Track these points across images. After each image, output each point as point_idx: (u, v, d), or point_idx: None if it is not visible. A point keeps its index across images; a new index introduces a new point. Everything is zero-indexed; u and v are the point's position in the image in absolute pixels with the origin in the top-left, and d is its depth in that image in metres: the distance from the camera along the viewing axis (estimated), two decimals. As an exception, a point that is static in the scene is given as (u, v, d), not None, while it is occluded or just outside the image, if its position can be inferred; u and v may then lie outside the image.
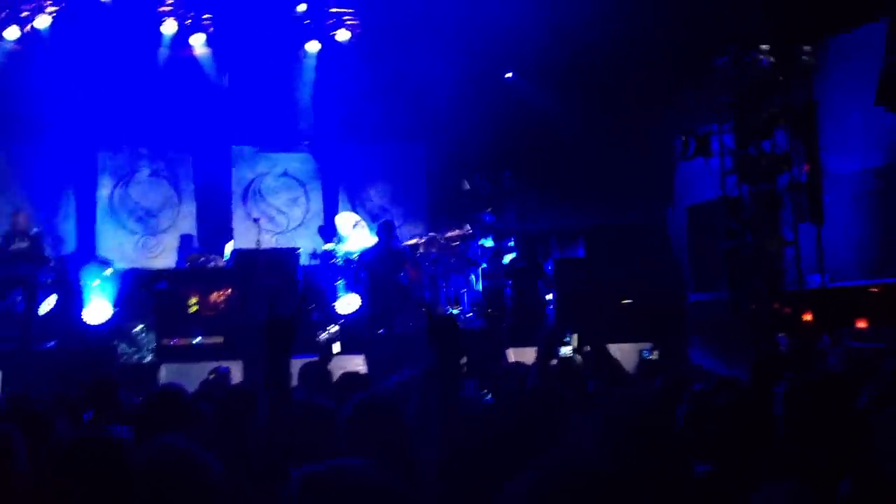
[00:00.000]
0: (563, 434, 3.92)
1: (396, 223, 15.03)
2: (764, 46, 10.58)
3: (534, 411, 4.07)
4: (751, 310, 10.28)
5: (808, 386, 3.72)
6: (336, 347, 10.68)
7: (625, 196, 13.03)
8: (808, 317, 10.06)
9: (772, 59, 10.47)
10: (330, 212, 16.67)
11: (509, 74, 16.64)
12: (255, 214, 16.10)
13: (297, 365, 8.58)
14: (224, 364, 9.88)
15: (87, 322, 12.27)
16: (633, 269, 11.71)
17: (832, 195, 10.74)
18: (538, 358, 5.40)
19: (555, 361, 6.50)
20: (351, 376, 6.86)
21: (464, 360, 5.20)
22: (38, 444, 3.68)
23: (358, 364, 9.98)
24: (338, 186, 17.08)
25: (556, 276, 11.95)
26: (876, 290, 10.09)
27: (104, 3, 14.51)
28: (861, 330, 9.48)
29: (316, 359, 8.45)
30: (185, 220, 16.24)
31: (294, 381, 7.48)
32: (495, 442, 3.07)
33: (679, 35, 12.07)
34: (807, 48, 10.48)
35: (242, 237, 15.80)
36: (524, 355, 9.91)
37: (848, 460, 3.36)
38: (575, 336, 9.22)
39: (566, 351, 8.85)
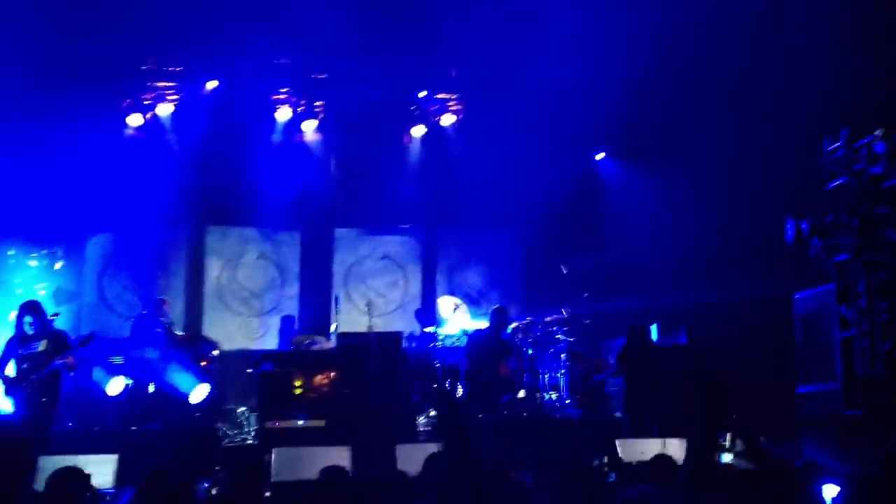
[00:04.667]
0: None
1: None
2: (878, 132, 10.34)
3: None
4: (867, 403, 9.87)
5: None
6: None
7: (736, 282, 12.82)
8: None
9: (887, 143, 10.19)
10: (428, 295, 16.76)
11: (601, 155, 16.77)
12: (358, 298, 16.31)
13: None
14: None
15: (190, 402, 12.49)
16: (740, 358, 11.41)
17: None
18: (690, 460, 5.13)
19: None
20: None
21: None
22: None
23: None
24: (436, 270, 17.17)
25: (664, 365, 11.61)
26: None
27: (221, 91, 15.17)
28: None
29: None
30: (289, 302, 16.47)
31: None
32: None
33: (787, 115, 11.98)
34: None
35: (344, 320, 15.99)
36: (634, 449, 9.68)
37: None
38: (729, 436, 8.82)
39: (727, 457, 8.49)
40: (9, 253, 13.51)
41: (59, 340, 10.52)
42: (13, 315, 10.84)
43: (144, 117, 15.39)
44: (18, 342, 10.46)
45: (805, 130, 11.85)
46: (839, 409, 10.20)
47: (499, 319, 12.70)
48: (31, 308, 10.58)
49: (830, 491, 6.18)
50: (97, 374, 12.18)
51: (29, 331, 10.40)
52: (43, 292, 13.43)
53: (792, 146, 12.31)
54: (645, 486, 6.22)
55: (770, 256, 11.96)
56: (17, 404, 10.39)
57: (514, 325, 14.23)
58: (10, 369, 10.43)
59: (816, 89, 12.29)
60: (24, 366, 10.36)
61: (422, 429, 12.60)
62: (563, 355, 13.64)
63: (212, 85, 15.24)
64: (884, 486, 5.62)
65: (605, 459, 9.69)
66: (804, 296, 11.27)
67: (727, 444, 9.29)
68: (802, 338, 11.18)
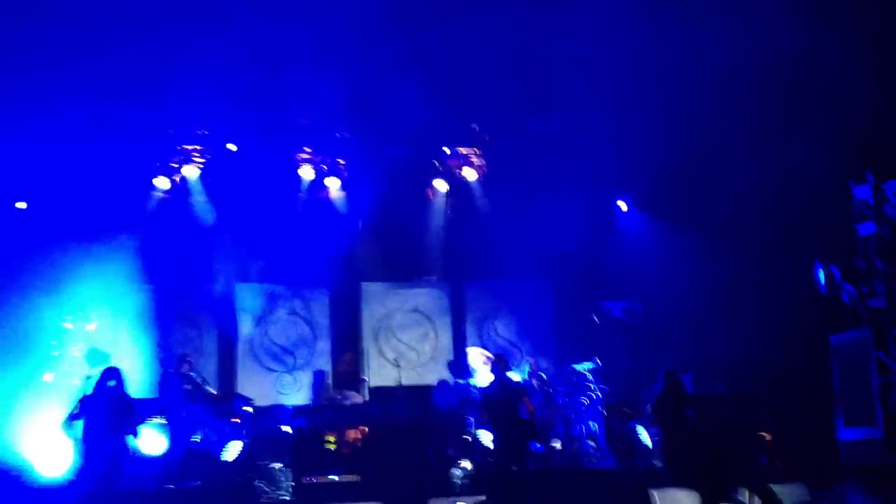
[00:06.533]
0: None
1: (526, 358, 15.08)
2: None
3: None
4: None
5: None
6: None
7: (769, 329, 12.78)
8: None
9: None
10: (458, 347, 16.80)
11: (622, 204, 16.83)
12: (388, 352, 16.37)
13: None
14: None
15: (224, 459, 12.53)
16: (778, 405, 11.32)
17: None
18: None
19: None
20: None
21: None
22: None
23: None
24: (465, 321, 17.23)
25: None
26: None
27: (246, 152, 15.43)
28: None
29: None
30: (320, 358, 16.55)
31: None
32: None
33: (818, 162, 12.04)
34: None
35: (375, 374, 16.04)
36: (672, 499, 9.60)
37: None
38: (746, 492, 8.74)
39: None
40: (44, 315, 13.67)
41: (130, 408, 11.18)
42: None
43: (171, 179, 15.63)
44: (94, 402, 10.97)
45: (829, 174, 11.89)
46: (880, 456, 10.08)
47: (498, 368, 12.89)
48: (114, 374, 11.28)
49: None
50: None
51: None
52: (78, 353, 13.59)
53: (816, 191, 12.33)
54: None
55: (802, 302, 11.91)
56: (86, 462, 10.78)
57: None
58: (78, 428, 10.90)
59: (839, 133, 12.35)
60: (96, 426, 10.82)
61: (456, 481, 12.55)
62: (599, 405, 13.61)
63: (232, 148, 15.49)
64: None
65: None
66: (840, 339, 11.19)
67: (743, 498, 9.22)
68: (840, 381, 11.08)
